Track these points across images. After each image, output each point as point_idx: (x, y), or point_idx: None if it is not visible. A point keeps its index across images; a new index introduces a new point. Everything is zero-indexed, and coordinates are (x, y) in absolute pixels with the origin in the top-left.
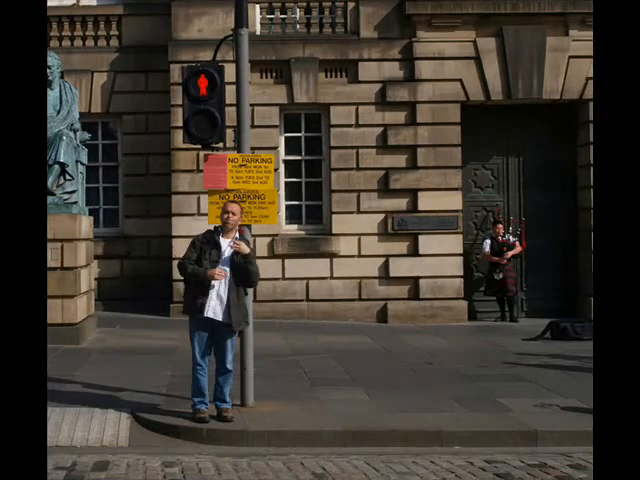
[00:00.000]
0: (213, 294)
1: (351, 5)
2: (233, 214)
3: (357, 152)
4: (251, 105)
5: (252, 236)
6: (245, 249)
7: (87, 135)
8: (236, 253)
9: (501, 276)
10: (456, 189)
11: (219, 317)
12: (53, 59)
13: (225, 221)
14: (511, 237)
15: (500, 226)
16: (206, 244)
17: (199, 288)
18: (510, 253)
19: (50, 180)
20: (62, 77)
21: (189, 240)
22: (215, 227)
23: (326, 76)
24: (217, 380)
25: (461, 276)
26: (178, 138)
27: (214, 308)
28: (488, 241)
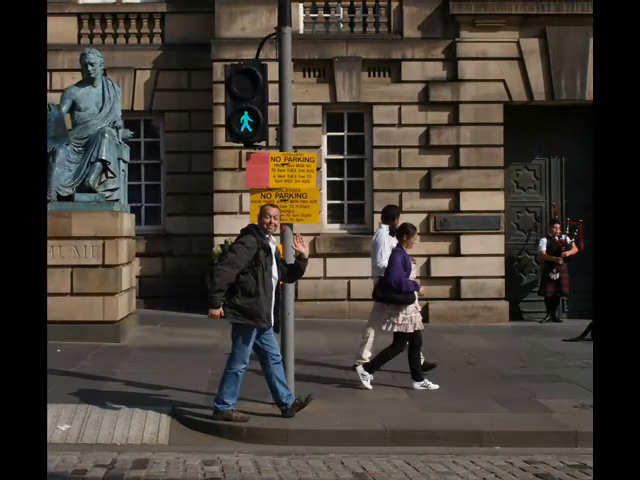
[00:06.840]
0: (273, 301)
1: (395, 5)
2: (275, 218)
3: (399, 152)
4: (294, 104)
5: (293, 235)
6: (307, 251)
7: (129, 133)
8: (299, 256)
9: (558, 276)
10: (498, 189)
11: (272, 321)
12: (96, 56)
13: (268, 227)
14: (568, 238)
15: (557, 226)
16: (261, 250)
17: (265, 296)
18: (568, 253)
19: (92, 177)
20: (105, 74)
21: (230, 238)
22: (256, 228)
23: (369, 75)
24: (276, 377)
25: (502, 276)
26: (220, 136)
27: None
28: (544, 240)
